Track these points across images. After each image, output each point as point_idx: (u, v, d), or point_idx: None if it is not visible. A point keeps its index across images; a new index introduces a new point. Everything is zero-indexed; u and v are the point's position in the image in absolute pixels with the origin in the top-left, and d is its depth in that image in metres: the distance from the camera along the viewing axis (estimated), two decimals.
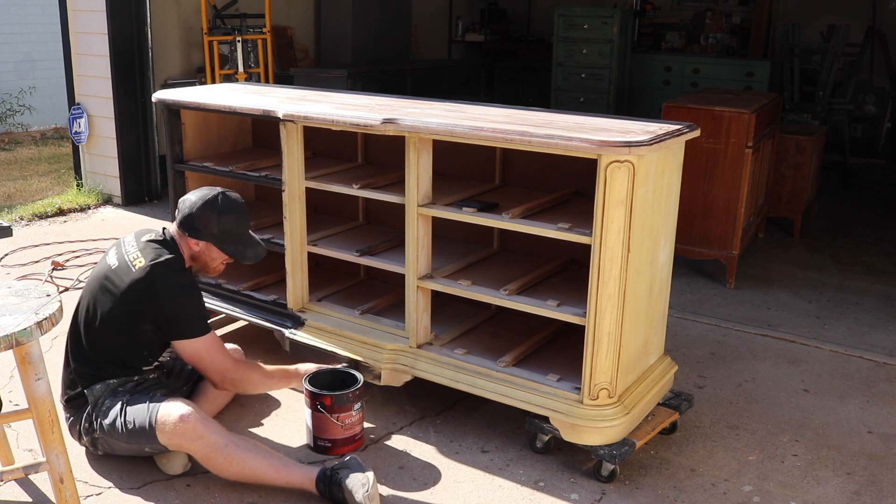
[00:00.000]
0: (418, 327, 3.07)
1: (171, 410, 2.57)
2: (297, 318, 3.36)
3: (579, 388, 2.73)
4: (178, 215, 2.80)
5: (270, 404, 3.19)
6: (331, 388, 2.87)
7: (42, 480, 2.66)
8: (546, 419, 2.77)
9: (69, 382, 2.76)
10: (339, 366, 3.03)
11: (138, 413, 2.61)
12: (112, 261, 2.73)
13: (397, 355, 3.08)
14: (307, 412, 2.85)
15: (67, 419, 2.78)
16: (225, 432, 2.61)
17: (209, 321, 2.78)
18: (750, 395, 3.38)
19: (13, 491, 2.64)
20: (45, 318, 2.23)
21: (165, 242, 2.77)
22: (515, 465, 2.83)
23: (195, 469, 2.72)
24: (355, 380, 2.91)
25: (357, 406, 2.85)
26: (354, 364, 3.07)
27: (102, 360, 2.71)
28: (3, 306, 2.30)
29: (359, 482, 2.49)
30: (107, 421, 2.64)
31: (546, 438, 2.86)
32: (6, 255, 4.88)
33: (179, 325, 2.67)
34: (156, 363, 2.82)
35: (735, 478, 2.79)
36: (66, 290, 4.35)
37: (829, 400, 3.37)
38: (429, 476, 2.76)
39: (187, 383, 3.01)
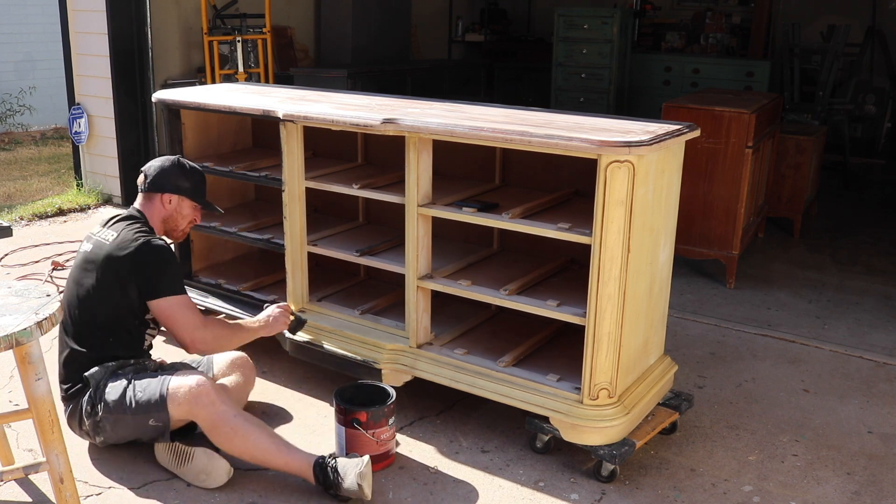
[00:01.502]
0: (418, 327, 3.07)
1: (186, 378, 2.64)
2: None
3: (579, 388, 2.73)
4: (147, 179, 2.90)
5: (284, 417, 3.11)
6: (357, 401, 2.78)
7: (42, 480, 2.66)
8: (546, 419, 2.77)
9: (66, 375, 2.78)
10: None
11: (148, 384, 2.65)
12: (86, 247, 2.81)
13: (397, 355, 3.08)
14: (338, 428, 2.76)
15: (66, 410, 2.78)
16: (235, 405, 2.65)
17: (184, 286, 2.83)
18: (750, 395, 3.38)
19: (13, 491, 2.64)
20: (45, 318, 2.23)
21: (132, 216, 2.86)
22: (515, 465, 2.83)
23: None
24: (385, 393, 2.82)
25: (391, 421, 2.76)
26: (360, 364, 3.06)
27: (97, 340, 2.74)
28: (3, 306, 2.30)
29: (352, 463, 2.52)
30: (111, 397, 2.65)
31: (546, 438, 2.86)
32: (6, 255, 4.89)
33: (151, 283, 2.71)
34: (148, 335, 2.87)
35: (735, 478, 2.79)
36: None
37: (829, 400, 3.37)
38: (429, 476, 2.76)
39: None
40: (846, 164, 7.33)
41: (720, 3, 9.39)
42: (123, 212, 2.89)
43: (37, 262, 4.79)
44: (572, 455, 2.86)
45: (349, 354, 3.14)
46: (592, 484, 2.73)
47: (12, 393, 3.25)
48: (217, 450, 2.68)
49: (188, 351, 2.80)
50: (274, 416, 3.11)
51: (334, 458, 2.60)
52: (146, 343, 2.89)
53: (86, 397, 2.71)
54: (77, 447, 2.84)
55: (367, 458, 2.56)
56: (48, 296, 2.38)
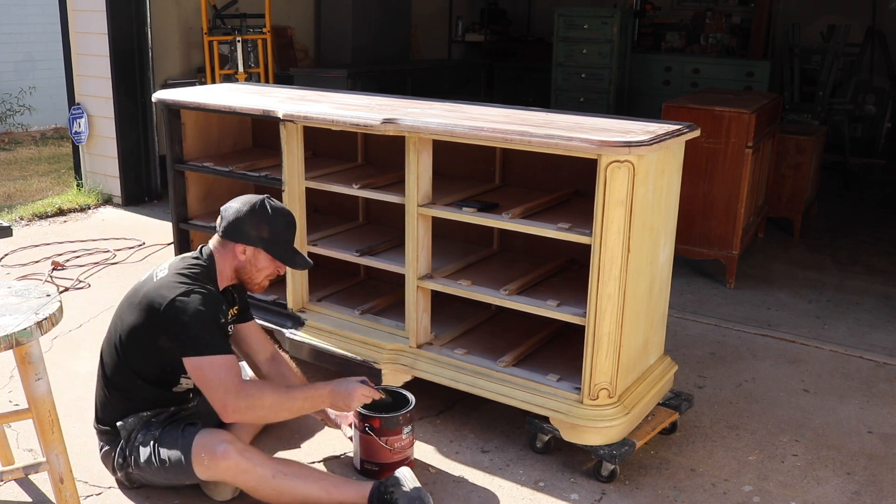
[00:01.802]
0: (418, 327, 3.07)
1: (207, 447, 2.41)
2: (297, 318, 3.36)
3: (579, 388, 2.73)
4: (222, 223, 2.60)
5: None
6: (380, 407, 2.69)
7: (42, 480, 2.66)
8: (546, 419, 2.77)
9: (101, 415, 2.62)
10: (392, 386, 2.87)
11: (171, 451, 2.46)
12: (143, 278, 2.61)
13: (397, 355, 3.08)
14: (354, 433, 2.72)
15: (101, 448, 2.65)
16: (268, 461, 2.46)
17: (225, 344, 2.52)
18: (750, 395, 3.38)
19: (13, 491, 2.64)
20: (45, 318, 2.23)
21: (198, 258, 2.59)
22: (515, 465, 2.83)
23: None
24: (406, 400, 2.76)
25: (408, 429, 2.70)
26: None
27: (131, 383, 2.55)
28: (3, 306, 2.30)
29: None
30: (141, 457, 2.50)
31: (546, 438, 2.86)
32: (6, 255, 4.88)
33: (181, 340, 2.42)
34: (187, 387, 2.62)
35: (735, 478, 2.79)
36: (66, 290, 4.35)
37: (829, 400, 3.37)
38: (429, 476, 2.76)
39: None
40: (846, 164, 7.33)
41: (720, 3, 9.39)
42: (193, 253, 2.63)
43: (37, 262, 4.79)
44: (572, 455, 2.86)
45: (349, 354, 3.14)
46: (592, 484, 2.73)
47: (12, 393, 3.25)
48: None
49: (223, 419, 2.43)
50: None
51: (389, 489, 2.44)
52: (183, 388, 2.63)
53: (118, 448, 2.56)
54: (77, 447, 2.83)
55: (429, 499, 2.42)
56: (48, 296, 2.38)
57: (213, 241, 2.64)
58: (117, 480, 2.65)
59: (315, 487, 2.46)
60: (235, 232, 2.57)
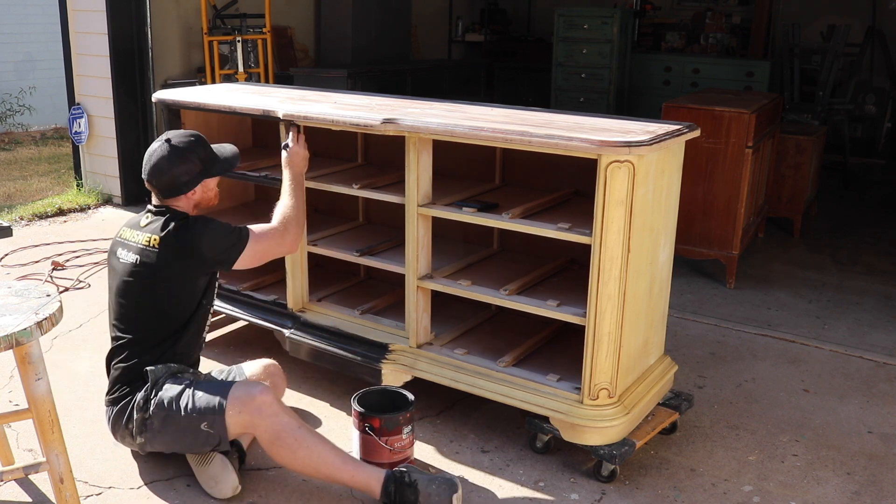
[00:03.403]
0: (418, 327, 3.07)
1: (249, 385, 2.58)
2: (297, 318, 3.36)
3: (579, 388, 2.73)
4: (159, 186, 2.71)
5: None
6: (380, 407, 2.73)
7: (42, 480, 2.66)
8: (546, 419, 2.77)
9: (119, 375, 2.66)
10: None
11: (209, 389, 2.56)
12: (128, 258, 2.67)
13: (397, 355, 3.08)
14: (354, 433, 2.72)
15: (111, 412, 2.67)
16: (297, 416, 2.57)
17: (240, 228, 2.75)
18: (750, 395, 3.38)
19: (13, 491, 2.64)
20: (45, 318, 2.23)
21: (163, 211, 2.71)
22: (515, 465, 2.83)
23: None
24: (406, 400, 2.78)
25: (408, 430, 2.70)
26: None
27: (161, 338, 2.67)
28: (3, 306, 2.30)
29: (446, 491, 2.44)
30: (168, 395, 2.56)
31: (546, 438, 2.86)
32: (6, 255, 4.88)
33: (230, 254, 2.68)
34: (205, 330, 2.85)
35: (735, 478, 2.79)
36: (66, 290, 4.35)
37: (829, 400, 3.37)
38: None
39: None
40: (846, 164, 7.33)
41: (720, 3, 9.39)
42: (145, 213, 2.75)
43: (37, 262, 4.79)
44: (572, 455, 2.86)
45: (349, 354, 3.14)
46: (592, 484, 2.73)
47: (12, 393, 3.25)
48: (238, 466, 2.66)
49: (294, 251, 2.93)
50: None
51: (407, 472, 2.49)
52: (204, 338, 2.85)
53: (141, 392, 2.60)
54: (77, 447, 2.84)
55: (458, 484, 2.48)
56: (48, 296, 2.38)
57: (157, 201, 2.75)
58: (133, 428, 2.61)
59: (333, 455, 2.53)
60: (178, 188, 2.71)
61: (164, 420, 2.56)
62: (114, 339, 2.72)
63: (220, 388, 2.57)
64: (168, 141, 2.72)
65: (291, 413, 2.56)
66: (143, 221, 2.72)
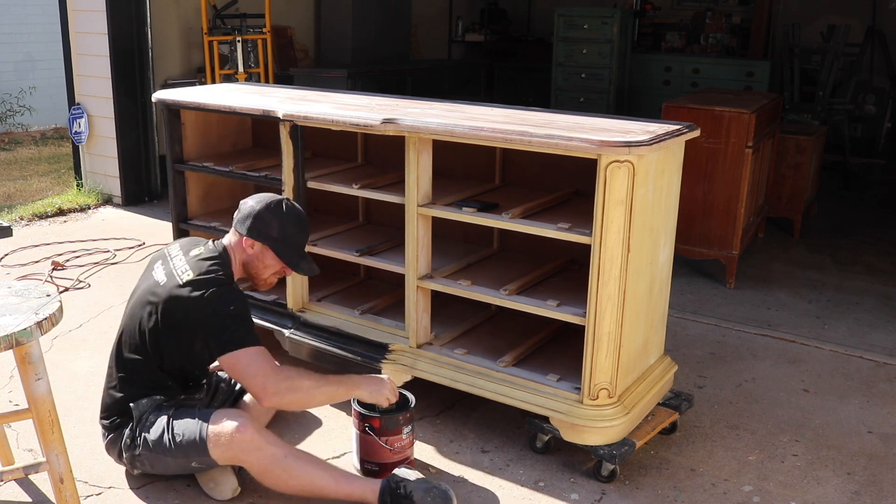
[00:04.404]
0: (418, 327, 3.07)
1: (225, 421, 2.45)
2: (297, 318, 3.36)
3: (579, 388, 2.73)
4: (238, 216, 2.66)
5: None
6: (380, 407, 2.70)
7: (42, 480, 2.66)
8: (546, 419, 2.77)
9: (109, 405, 2.64)
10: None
11: (187, 426, 2.48)
12: (160, 276, 2.60)
13: (397, 355, 3.08)
14: (354, 433, 2.71)
15: (105, 437, 2.66)
16: (282, 443, 2.51)
17: (255, 337, 2.57)
18: (750, 395, 3.38)
19: (13, 491, 2.64)
20: (45, 318, 2.23)
21: (215, 254, 2.62)
22: (515, 465, 2.83)
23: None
24: (406, 400, 2.76)
25: (408, 429, 2.70)
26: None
27: (150, 375, 2.59)
28: (3, 306, 2.30)
29: (441, 502, 2.42)
30: (151, 436, 2.52)
31: (546, 438, 2.86)
32: (6, 255, 4.88)
33: (220, 338, 2.49)
34: (204, 381, 2.77)
35: (735, 478, 2.79)
36: (66, 290, 4.35)
37: (829, 400, 3.37)
38: (429, 476, 2.75)
39: (228, 399, 2.89)
40: (846, 164, 7.33)
41: (720, 3, 9.39)
42: (207, 244, 2.68)
43: (37, 262, 4.79)
44: (572, 455, 2.86)
45: (349, 354, 3.14)
46: (592, 484, 2.73)
47: (12, 393, 3.25)
48: (238, 468, 2.64)
49: (262, 404, 2.52)
50: (274, 417, 3.10)
51: (401, 483, 2.46)
52: (203, 382, 2.79)
53: (127, 430, 2.57)
54: (77, 447, 2.84)
55: (453, 497, 2.45)
56: (48, 296, 2.38)
57: (229, 236, 2.70)
58: (125, 461, 2.62)
59: (324, 475, 2.49)
60: (247, 226, 2.63)
61: (153, 460, 2.56)
62: (113, 352, 2.67)
63: (197, 425, 2.48)
64: (288, 200, 2.72)
65: (275, 441, 2.48)
66: (195, 252, 2.64)
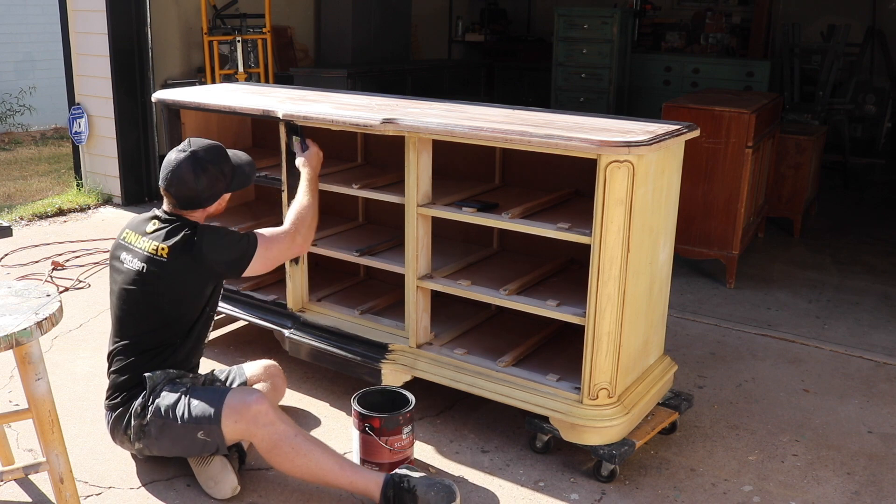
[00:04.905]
0: (418, 327, 3.07)
1: (244, 394, 2.56)
2: (297, 318, 3.36)
3: (579, 388, 2.73)
4: (178, 197, 2.67)
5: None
6: (380, 407, 2.73)
7: (42, 480, 2.66)
8: (546, 419, 2.77)
9: (119, 382, 2.65)
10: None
11: (204, 397, 2.56)
12: (133, 264, 2.63)
13: (397, 355, 3.08)
14: (354, 433, 2.72)
15: (111, 416, 2.67)
16: (294, 423, 2.55)
17: (249, 234, 2.74)
18: (750, 395, 3.38)
19: (13, 491, 2.64)
20: (45, 318, 2.23)
21: (170, 222, 2.67)
22: (515, 465, 2.83)
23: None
24: (406, 400, 2.78)
25: (407, 430, 2.71)
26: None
27: (162, 345, 2.65)
28: (3, 306, 2.30)
29: (444, 498, 2.43)
30: (165, 403, 2.56)
31: (546, 438, 2.86)
32: (6, 255, 4.89)
33: (240, 263, 2.68)
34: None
35: (735, 478, 2.79)
36: (66, 290, 4.35)
37: (829, 400, 3.37)
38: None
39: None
40: (846, 164, 7.33)
41: (720, 3, 9.39)
42: (154, 217, 2.71)
43: (37, 262, 4.79)
44: (572, 455, 2.86)
45: (349, 354, 3.14)
46: (592, 484, 2.73)
47: (12, 393, 3.25)
48: (238, 467, 2.67)
49: (303, 252, 2.96)
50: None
51: (405, 477, 2.47)
52: (204, 344, 2.84)
53: (139, 399, 2.60)
54: (77, 447, 2.84)
55: (457, 492, 2.47)
56: (48, 296, 2.38)
57: (170, 207, 2.72)
58: (131, 433, 2.61)
59: (331, 461, 2.52)
60: (197, 202, 2.70)
61: (161, 428, 2.57)
62: (114, 342, 2.71)
63: (216, 396, 2.56)
64: (194, 153, 2.67)
65: (288, 420, 2.54)
66: (150, 227, 2.68)
